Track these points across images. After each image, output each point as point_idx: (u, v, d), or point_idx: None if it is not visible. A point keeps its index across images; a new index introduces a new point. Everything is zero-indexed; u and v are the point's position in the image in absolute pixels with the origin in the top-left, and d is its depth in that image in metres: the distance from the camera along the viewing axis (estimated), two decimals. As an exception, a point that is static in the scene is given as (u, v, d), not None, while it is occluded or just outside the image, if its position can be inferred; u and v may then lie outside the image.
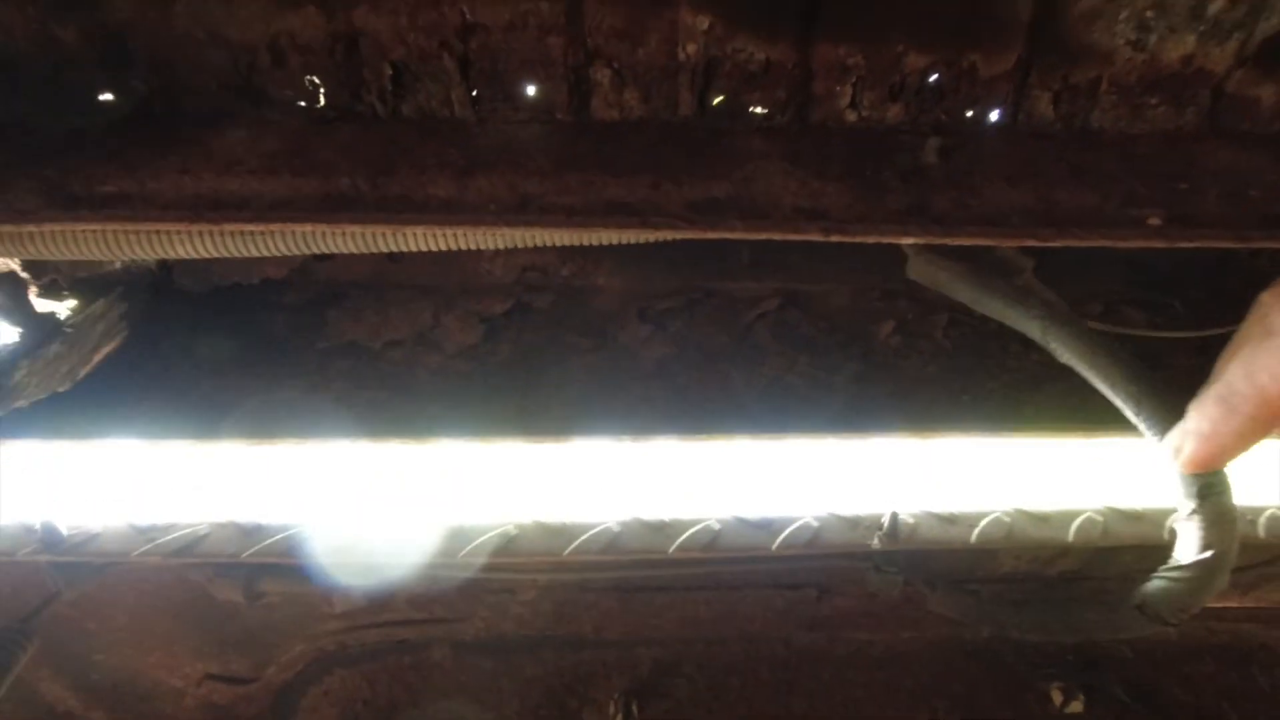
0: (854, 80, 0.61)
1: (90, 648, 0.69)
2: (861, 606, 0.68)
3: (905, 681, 0.70)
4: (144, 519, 0.55)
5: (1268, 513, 0.60)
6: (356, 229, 0.49)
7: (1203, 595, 0.43)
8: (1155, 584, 0.46)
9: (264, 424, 0.62)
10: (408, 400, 0.66)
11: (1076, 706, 0.67)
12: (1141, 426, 0.41)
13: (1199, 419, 0.34)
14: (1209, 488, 0.39)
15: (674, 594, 0.64)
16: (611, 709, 0.66)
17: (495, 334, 0.72)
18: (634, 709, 0.66)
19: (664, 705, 0.67)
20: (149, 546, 0.52)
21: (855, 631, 0.71)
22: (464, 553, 0.54)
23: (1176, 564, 0.43)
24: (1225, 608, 0.73)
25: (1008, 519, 0.59)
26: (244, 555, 0.53)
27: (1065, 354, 0.48)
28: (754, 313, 0.74)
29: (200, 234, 0.50)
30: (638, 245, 0.77)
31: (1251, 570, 0.69)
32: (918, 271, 0.60)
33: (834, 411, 0.65)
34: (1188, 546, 0.42)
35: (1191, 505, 0.41)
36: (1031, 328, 0.50)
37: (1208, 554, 0.41)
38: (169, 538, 0.53)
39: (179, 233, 0.50)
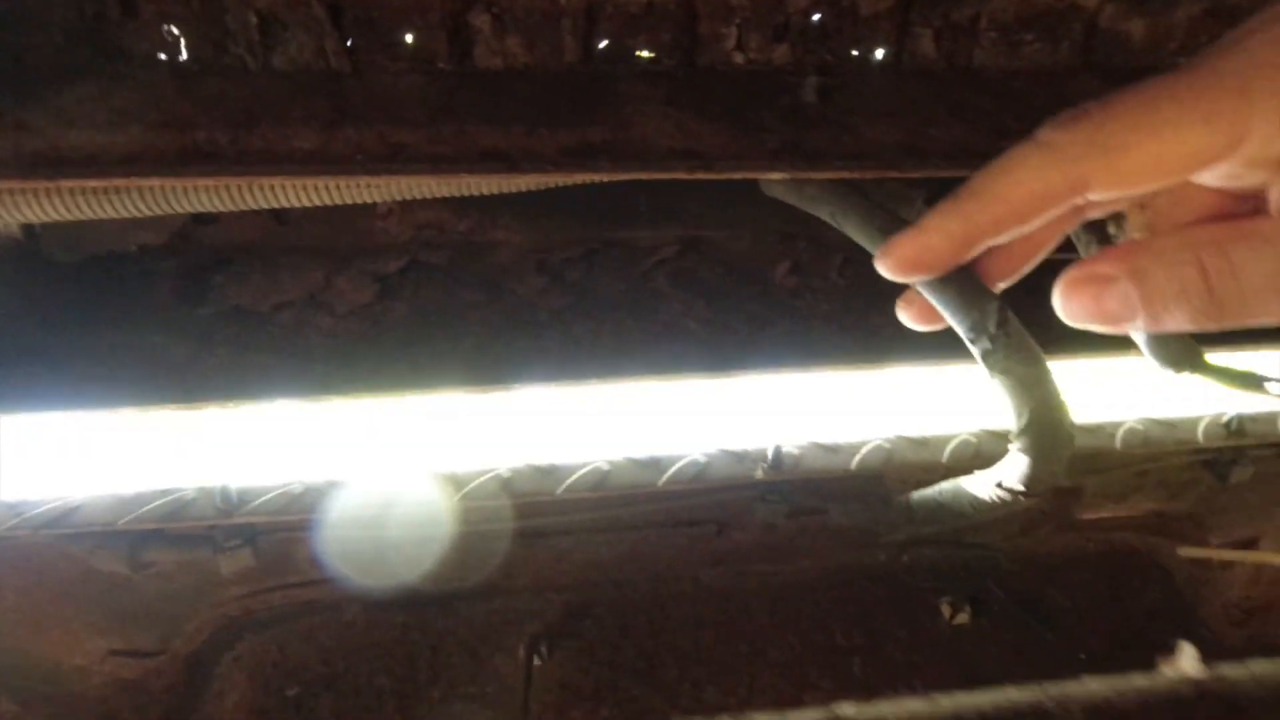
0: (739, 21, 0.61)
1: (-19, 633, 0.67)
2: (760, 540, 0.70)
3: (807, 609, 0.73)
4: (13, 494, 0.53)
5: (1125, 426, 0.65)
6: (211, 182, 0.48)
7: (1049, 461, 0.42)
8: (1007, 460, 0.47)
9: (144, 393, 0.60)
10: (298, 362, 0.64)
11: (964, 618, 0.72)
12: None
13: (932, 223, 0.31)
14: (997, 347, 0.37)
15: (577, 537, 0.66)
16: (522, 654, 0.67)
17: (390, 292, 0.71)
18: (544, 652, 0.67)
19: (575, 646, 0.69)
20: (17, 521, 0.51)
21: (757, 565, 0.74)
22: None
23: (1014, 434, 0.42)
24: (1100, 518, 0.79)
25: (888, 445, 0.61)
26: (121, 523, 0.52)
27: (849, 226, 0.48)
28: (652, 260, 0.75)
29: (44, 192, 0.48)
30: (537, 198, 0.76)
31: (1117, 478, 0.74)
32: (768, 187, 0.61)
33: (729, 352, 0.66)
34: (1017, 413, 0.41)
35: (990, 372, 0.40)
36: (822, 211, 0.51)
37: (1028, 415, 0.39)
38: (39, 511, 0.52)
39: (21, 191, 0.48)
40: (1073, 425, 0.41)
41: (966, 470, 0.68)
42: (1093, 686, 0.22)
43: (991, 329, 0.37)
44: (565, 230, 0.77)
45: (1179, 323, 0.28)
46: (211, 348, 0.65)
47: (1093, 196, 0.28)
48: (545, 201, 0.79)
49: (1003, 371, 0.38)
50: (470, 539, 0.63)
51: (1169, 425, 0.66)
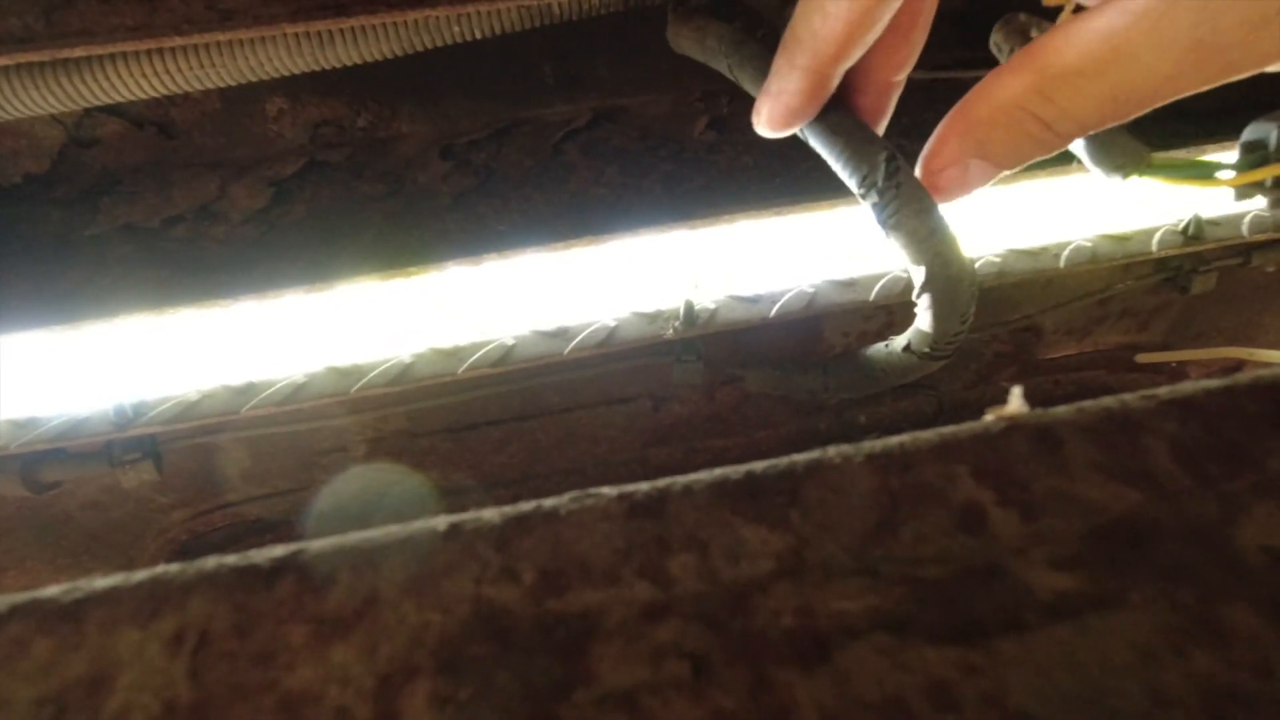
0: None
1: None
2: (702, 412, 0.68)
3: (760, 476, 0.71)
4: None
5: (1071, 245, 0.60)
6: (26, 57, 0.44)
7: (949, 318, 0.40)
8: (914, 323, 0.44)
9: (35, 318, 0.58)
10: (193, 272, 0.62)
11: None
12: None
13: (773, 77, 0.31)
14: (891, 209, 0.34)
15: (505, 426, 0.64)
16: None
17: (287, 196, 0.67)
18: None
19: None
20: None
21: (709, 440, 0.71)
22: (250, 405, 0.52)
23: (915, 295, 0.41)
24: (1065, 357, 0.75)
25: (811, 289, 0.58)
26: (14, 446, 0.50)
27: (745, 79, 0.44)
28: (562, 133, 0.70)
29: None
30: (439, 85, 0.72)
31: (1081, 314, 0.70)
32: (674, 40, 0.56)
33: (640, 213, 0.62)
34: (912, 268, 0.38)
35: (888, 232, 0.36)
36: (722, 65, 0.46)
37: (923, 269, 0.37)
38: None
39: None
40: (974, 277, 0.38)
41: (899, 307, 0.64)
42: (892, 439, 0.19)
43: (880, 182, 0.34)
44: (472, 115, 0.73)
45: (1035, 157, 0.29)
46: (105, 267, 0.63)
47: None
48: (448, 86, 0.74)
49: (895, 227, 0.34)
50: (400, 439, 0.62)
51: (1120, 239, 0.61)
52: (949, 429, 0.19)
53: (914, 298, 0.41)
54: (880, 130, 0.36)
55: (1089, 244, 0.60)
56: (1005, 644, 0.13)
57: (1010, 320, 0.67)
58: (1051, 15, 0.37)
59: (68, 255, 0.63)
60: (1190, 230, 0.59)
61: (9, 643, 0.16)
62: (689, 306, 0.54)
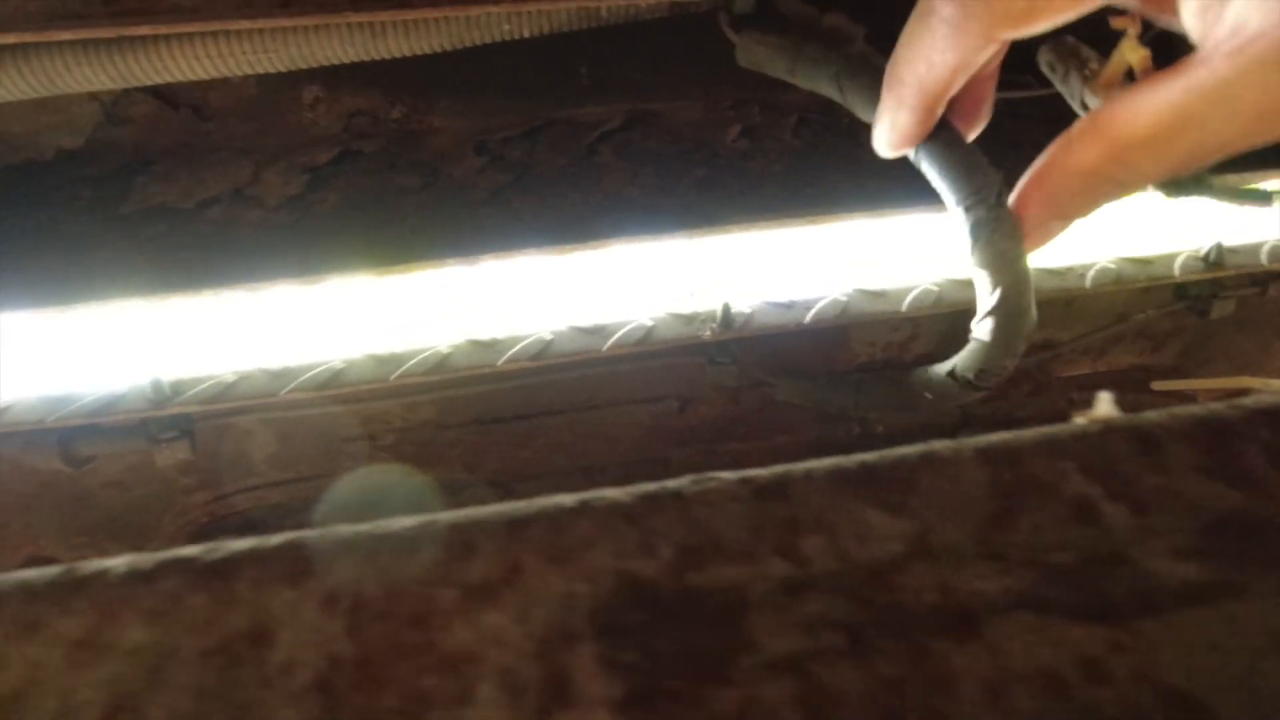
0: None
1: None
2: (725, 414, 0.68)
3: (779, 481, 0.72)
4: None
5: (1096, 267, 0.61)
6: (86, 33, 0.44)
7: (1004, 350, 0.42)
8: (965, 349, 0.46)
9: (68, 292, 0.58)
10: (227, 256, 0.62)
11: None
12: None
13: (883, 108, 0.34)
14: (981, 224, 0.37)
15: (534, 420, 0.64)
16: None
17: (321, 183, 0.67)
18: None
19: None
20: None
21: (730, 443, 0.72)
22: (288, 389, 0.53)
23: (976, 320, 0.43)
24: (1081, 374, 0.76)
25: (844, 298, 0.59)
26: (51, 420, 0.50)
27: (861, 106, 0.45)
28: (596, 134, 0.71)
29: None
30: (475, 80, 0.72)
31: (1099, 334, 0.71)
32: (744, 56, 0.57)
33: (675, 216, 0.63)
34: (982, 295, 0.40)
35: (970, 245, 0.39)
36: (828, 86, 0.47)
37: (995, 299, 0.39)
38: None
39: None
40: (1034, 314, 0.41)
41: (926, 320, 0.65)
42: (995, 436, 0.20)
43: (991, 200, 0.37)
44: (505, 112, 0.74)
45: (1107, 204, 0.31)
46: (138, 246, 0.63)
47: (1007, 38, 0.29)
48: (483, 83, 0.75)
49: (988, 245, 0.37)
50: (427, 429, 0.62)
51: (1143, 263, 0.62)
52: (1049, 428, 0.20)
53: (974, 323, 0.42)
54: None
55: (1113, 266, 0.61)
56: (1145, 625, 0.14)
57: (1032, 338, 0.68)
58: (1104, 37, 0.38)
59: (100, 232, 0.63)
60: (1212, 257, 0.61)
61: (165, 596, 0.16)
62: (726, 309, 0.55)
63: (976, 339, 0.44)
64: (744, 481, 0.19)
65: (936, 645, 0.14)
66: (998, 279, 0.38)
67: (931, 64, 0.30)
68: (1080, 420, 0.21)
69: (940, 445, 0.20)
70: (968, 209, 0.37)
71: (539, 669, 0.15)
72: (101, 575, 0.18)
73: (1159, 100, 0.26)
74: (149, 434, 0.53)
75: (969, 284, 0.67)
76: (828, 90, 0.48)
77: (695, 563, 0.17)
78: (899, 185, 0.67)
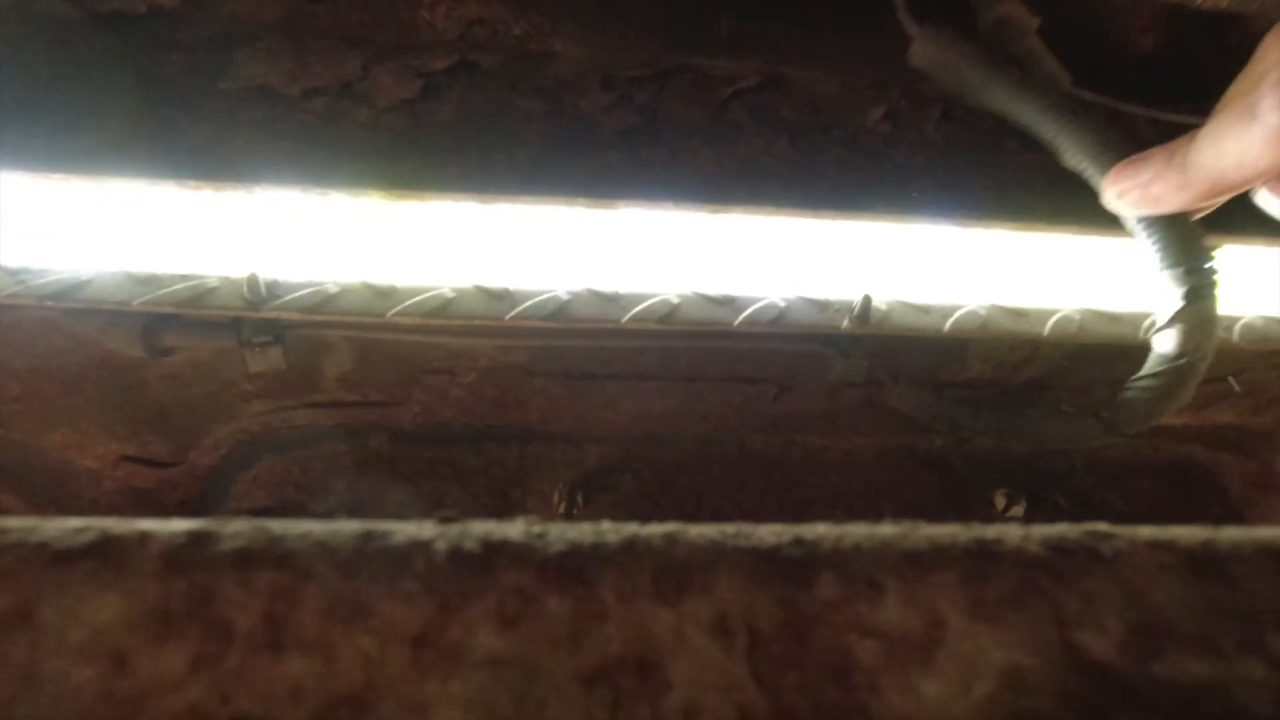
0: None
1: (-14, 422, 0.63)
2: (820, 408, 0.65)
3: (856, 486, 0.69)
4: (16, 261, 0.47)
5: (1241, 322, 0.58)
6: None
7: (1165, 405, 0.43)
8: (1124, 395, 0.45)
9: (158, 168, 0.53)
10: (332, 153, 0.57)
11: (1018, 511, 0.68)
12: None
13: (1154, 175, 0.34)
14: (1196, 291, 0.39)
15: (627, 383, 0.60)
16: (556, 499, 0.64)
17: (436, 92, 0.62)
18: (579, 500, 0.64)
19: (610, 498, 0.65)
20: (20, 289, 0.45)
21: (810, 436, 0.69)
22: (393, 312, 0.48)
23: (1146, 372, 0.42)
24: (1173, 426, 0.74)
25: (983, 312, 0.55)
26: (137, 303, 0.46)
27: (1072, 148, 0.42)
28: (729, 90, 0.66)
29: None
30: (604, 9, 0.67)
31: (1206, 386, 0.69)
32: (922, 56, 0.52)
33: (817, 193, 0.59)
34: (1162, 351, 0.41)
35: (1177, 306, 0.39)
36: (1042, 123, 0.43)
37: (1181, 360, 0.40)
38: (45, 280, 0.46)
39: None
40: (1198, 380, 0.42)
41: (1049, 347, 0.62)
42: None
43: (1200, 268, 0.39)
44: (634, 49, 0.68)
45: None
46: (235, 129, 0.57)
47: None
48: (613, 13, 0.69)
49: (1192, 301, 0.39)
50: (513, 373, 0.58)
51: (1274, 321, 0.59)
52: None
53: (1148, 370, 0.41)
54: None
55: (1259, 324, 0.58)
56: None
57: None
58: None
59: (195, 106, 0.58)
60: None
61: (512, 593, 0.13)
62: (866, 302, 0.52)
63: (1141, 388, 0.43)
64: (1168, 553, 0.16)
65: None
66: (1190, 343, 0.39)
67: (1242, 164, 0.30)
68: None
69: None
70: (1187, 272, 0.38)
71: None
72: (424, 548, 0.14)
73: None
74: (240, 335, 0.49)
75: (1111, 318, 0.64)
76: (1028, 118, 0.45)
77: (1152, 649, 0.14)
78: (1043, 201, 0.63)
